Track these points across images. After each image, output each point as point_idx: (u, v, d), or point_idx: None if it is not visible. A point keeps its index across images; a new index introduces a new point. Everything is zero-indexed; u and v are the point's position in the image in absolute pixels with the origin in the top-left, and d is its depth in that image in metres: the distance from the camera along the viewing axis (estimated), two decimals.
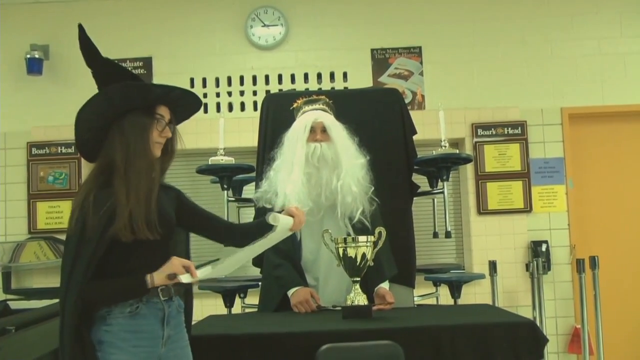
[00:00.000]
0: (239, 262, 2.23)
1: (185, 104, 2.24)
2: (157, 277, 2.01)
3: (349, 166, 2.96)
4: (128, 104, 2.08)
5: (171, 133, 2.17)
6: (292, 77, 5.34)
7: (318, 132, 3.01)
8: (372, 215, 2.97)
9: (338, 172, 2.94)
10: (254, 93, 5.32)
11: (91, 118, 2.12)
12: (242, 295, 3.62)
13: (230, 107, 5.31)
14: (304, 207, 2.86)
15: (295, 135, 3.02)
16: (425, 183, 3.95)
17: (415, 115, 3.87)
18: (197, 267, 2.09)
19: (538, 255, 5.05)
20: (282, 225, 2.23)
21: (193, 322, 2.27)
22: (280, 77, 5.34)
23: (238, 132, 5.01)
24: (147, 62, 5.32)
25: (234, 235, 2.39)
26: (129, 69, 2.24)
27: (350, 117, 3.20)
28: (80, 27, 2.13)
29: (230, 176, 3.67)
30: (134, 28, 5.34)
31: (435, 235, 3.96)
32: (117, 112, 2.08)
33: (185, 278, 2.03)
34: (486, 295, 4.89)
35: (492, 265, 4.88)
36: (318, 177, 2.94)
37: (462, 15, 5.36)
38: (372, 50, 5.35)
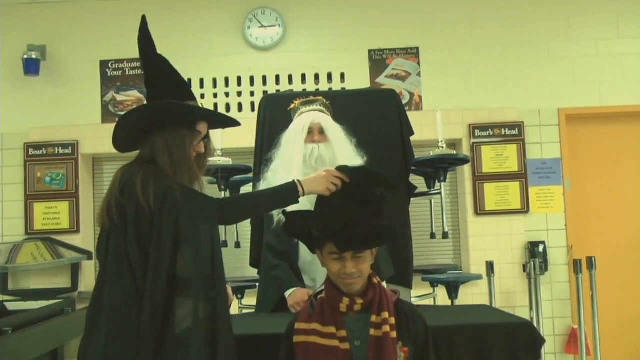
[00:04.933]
0: None
1: (224, 123, 2.40)
2: (308, 186, 2.19)
3: None
4: (172, 119, 2.16)
5: (204, 149, 2.26)
6: (290, 77, 5.34)
7: (316, 133, 3.01)
8: None
9: None
10: (252, 94, 5.32)
11: (136, 121, 2.16)
12: (239, 296, 3.62)
13: (228, 108, 5.31)
14: (302, 208, 2.86)
15: (293, 136, 3.02)
16: (423, 184, 3.95)
17: (412, 116, 3.87)
18: None
19: (535, 256, 5.06)
20: None
21: None
22: (277, 77, 5.34)
23: (235, 133, 4.90)
24: None
25: None
26: (178, 72, 2.27)
27: (347, 117, 3.20)
28: (143, 18, 2.23)
29: (227, 177, 3.67)
30: (132, 28, 5.27)
31: (433, 236, 3.95)
32: (160, 121, 2.15)
33: None
34: (483, 295, 4.89)
35: (490, 266, 4.88)
36: None
37: (459, 16, 5.36)
38: (370, 51, 5.36)
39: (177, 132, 2.14)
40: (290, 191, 2.20)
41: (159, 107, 2.16)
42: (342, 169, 2.25)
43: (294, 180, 2.22)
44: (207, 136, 2.27)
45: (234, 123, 2.39)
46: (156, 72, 2.22)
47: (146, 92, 2.24)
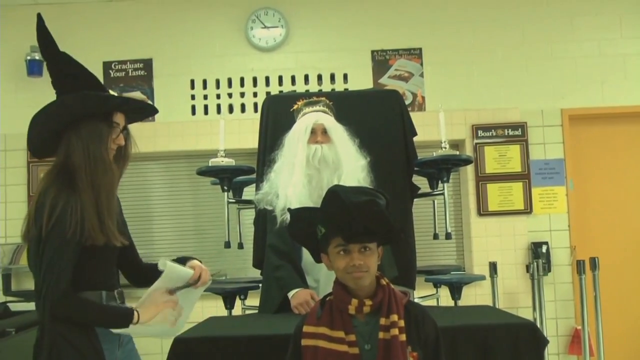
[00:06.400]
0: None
1: (141, 111, 2.28)
2: (144, 316, 2.04)
3: (350, 168, 2.97)
4: (85, 112, 2.08)
5: (124, 140, 2.18)
6: (293, 78, 5.34)
7: (319, 134, 3.01)
8: None
9: (339, 174, 2.94)
10: (255, 95, 5.33)
11: (47, 121, 2.09)
12: (242, 297, 3.62)
13: (231, 109, 5.32)
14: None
15: (296, 137, 3.03)
16: (426, 184, 3.94)
17: (415, 116, 3.87)
18: None
19: (538, 257, 5.05)
20: (172, 273, 2.14)
21: (194, 324, 2.27)
22: (280, 78, 5.35)
23: (238, 134, 5.01)
24: (148, 64, 5.33)
25: (139, 274, 2.35)
26: (85, 67, 2.18)
27: (350, 118, 3.20)
28: (39, 16, 2.14)
29: (230, 178, 3.67)
30: (135, 30, 5.35)
31: (436, 236, 3.95)
32: (74, 117, 2.08)
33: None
34: (486, 296, 4.89)
35: (493, 267, 4.88)
36: (319, 178, 2.95)
37: (462, 16, 5.36)
38: (373, 51, 5.36)
39: (93, 126, 2.07)
40: (125, 316, 2.02)
41: (69, 101, 2.08)
42: None
43: (132, 308, 2.06)
44: (125, 128, 2.19)
45: (152, 109, 2.30)
46: (62, 70, 2.13)
47: (55, 93, 2.15)
